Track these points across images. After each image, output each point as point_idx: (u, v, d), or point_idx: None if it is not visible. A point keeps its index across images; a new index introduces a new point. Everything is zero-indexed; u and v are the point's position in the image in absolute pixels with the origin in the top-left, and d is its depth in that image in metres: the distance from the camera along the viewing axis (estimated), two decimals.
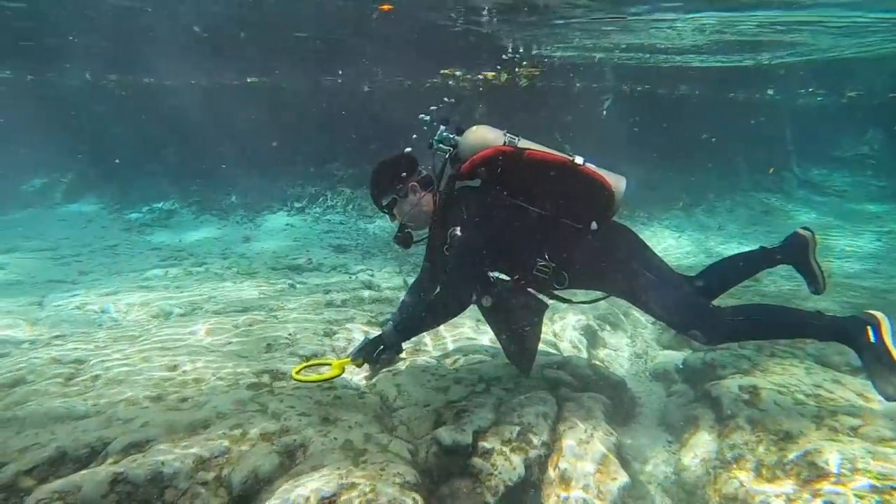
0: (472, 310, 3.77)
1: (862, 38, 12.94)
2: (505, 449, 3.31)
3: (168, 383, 4.02)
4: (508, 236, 3.51)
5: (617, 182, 3.57)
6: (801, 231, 3.84)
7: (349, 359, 3.65)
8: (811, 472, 3.00)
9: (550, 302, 3.88)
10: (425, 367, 4.50)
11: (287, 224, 13.69)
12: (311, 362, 4.00)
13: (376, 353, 3.59)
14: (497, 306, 3.64)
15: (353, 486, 2.71)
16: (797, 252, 3.84)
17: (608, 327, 6.44)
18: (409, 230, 3.76)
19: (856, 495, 2.74)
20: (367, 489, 2.69)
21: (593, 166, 3.54)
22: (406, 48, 14.16)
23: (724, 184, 16.75)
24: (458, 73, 16.88)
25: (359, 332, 5.41)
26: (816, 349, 4.75)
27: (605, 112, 18.22)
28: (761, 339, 3.68)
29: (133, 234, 12.99)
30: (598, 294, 3.88)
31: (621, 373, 5.15)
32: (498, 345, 4.21)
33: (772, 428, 3.44)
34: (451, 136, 3.63)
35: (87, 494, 2.61)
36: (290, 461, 3.04)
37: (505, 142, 3.49)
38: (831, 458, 3.00)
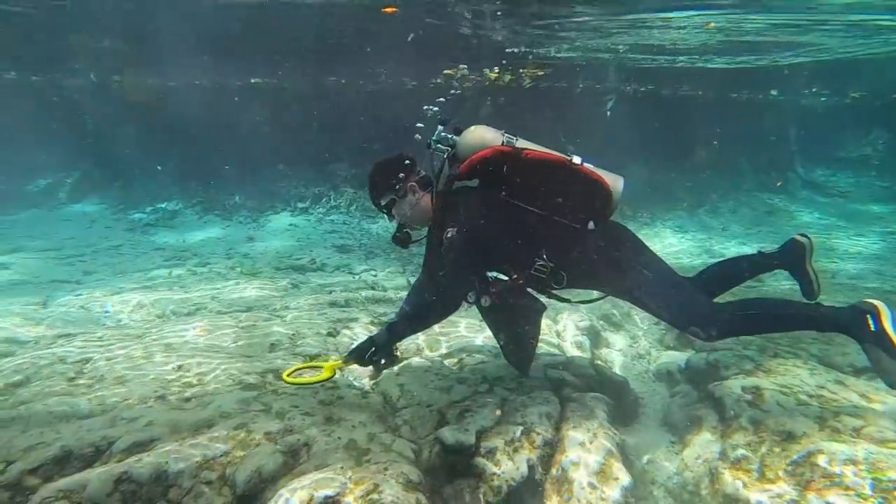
0: (474, 310, 3.78)
1: (869, 38, 12.91)
2: (508, 449, 3.32)
3: (172, 383, 4.04)
4: (507, 236, 3.52)
5: (615, 182, 3.58)
6: (799, 237, 3.85)
7: (341, 361, 3.67)
8: (814, 472, 3.00)
9: (551, 302, 3.89)
10: (428, 367, 4.51)
11: (290, 224, 13.70)
12: (301, 365, 4.01)
13: (368, 355, 3.60)
14: (495, 306, 3.65)
15: (356, 485, 2.72)
16: (794, 258, 3.85)
17: (611, 328, 6.45)
18: (408, 230, 3.78)
19: (858, 496, 2.74)
20: (371, 488, 2.69)
21: (591, 166, 3.55)
22: (409, 49, 14.17)
23: (727, 184, 16.73)
24: (461, 73, 16.88)
25: (362, 332, 5.42)
26: (820, 350, 4.75)
27: (609, 112, 18.21)
28: (762, 333, 3.69)
29: (137, 235, 13.01)
30: (597, 294, 3.89)
31: (624, 373, 5.15)
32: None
33: (774, 428, 3.44)
34: (450, 136, 3.64)
35: (92, 493, 2.63)
36: (294, 460, 3.05)
37: (503, 142, 3.50)
38: (834, 458, 3.00)
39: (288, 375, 3.72)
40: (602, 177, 3.52)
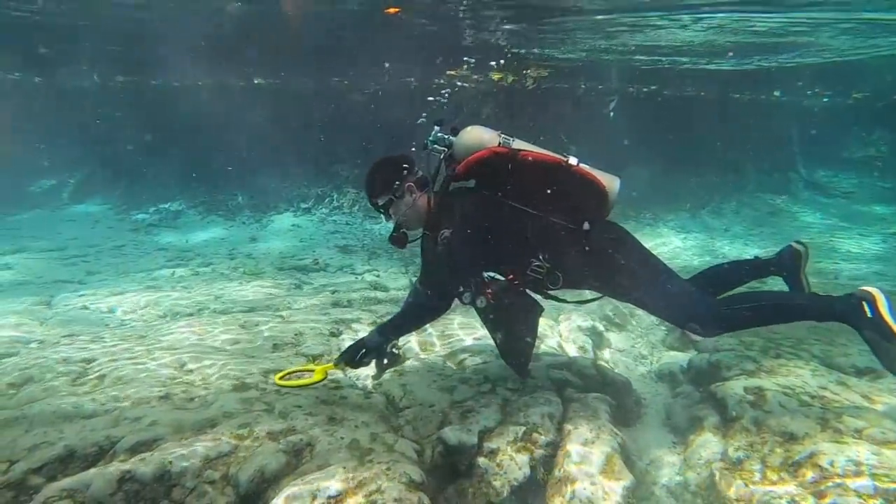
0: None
1: (873, 38, 12.89)
2: (510, 449, 3.33)
3: (175, 382, 4.05)
4: (503, 237, 3.52)
5: (610, 182, 3.59)
6: (796, 245, 3.87)
7: (332, 364, 3.68)
8: (816, 473, 3.00)
9: (553, 303, 3.89)
10: (431, 367, 4.51)
11: (293, 224, 13.73)
12: (293, 368, 4.02)
13: (359, 356, 3.61)
14: (492, 307, 3.66)
15: (359, 485, 2.73)
16: (789, 265, 3.87)
17: (613, 328, 6.45)
18: (405, 230, 3.78)
19: (860, 497, 2.74)
20: (374, 488, 2.70)
21: (587, 167, 3.56)
22: (413, 49, 14.19)
23: (729, 185, 16.71)
24: (464, 73, 16.89)
25: (364, 333, 5.42)
26: (822, 351, 4.75)
27: (612, 113, 18.20)
28: (760, 325, 3.70)
29: (140, 235, 13.06)
30: (592, 294, 3.89)
31: (626, 374, 5.15)
32: None
33: (776, 429, 3.44)
34: (446, 136, 3.64)
35: (96, 492, 2.64)
36: (297, 460, 3.06)
37: (500, 142, 3.51)
38: (836, 459, 3.00)
39: (280, 379, 3.74)
40: (597, 177, 3.54)
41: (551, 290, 3.67)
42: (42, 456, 2.93)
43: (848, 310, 3.30)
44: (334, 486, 2.70)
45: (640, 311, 6.30)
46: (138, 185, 15.75)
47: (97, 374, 4.27)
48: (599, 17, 11.21)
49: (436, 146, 3.66)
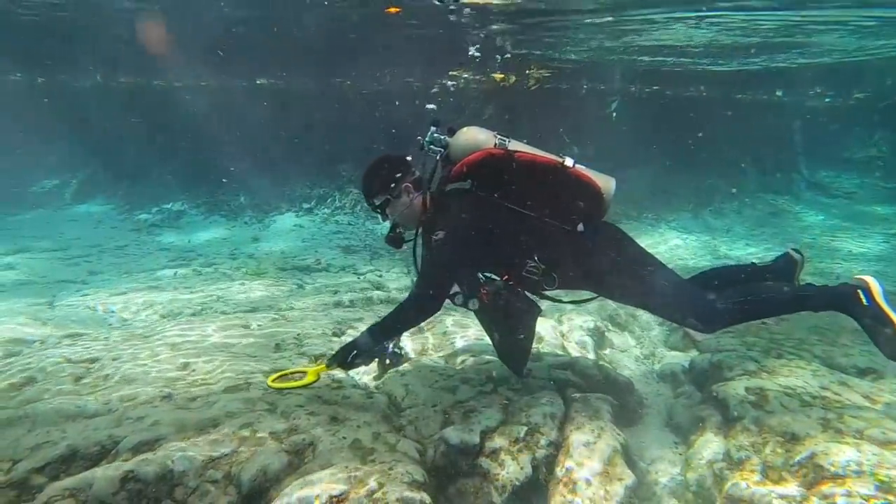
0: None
1: (876, 39, 12.86)
2: (512, 449, 3.33)
3: (178, 382, 4.06)
4: (498, 238, 3.52)
5: (606, 183, 3.60)
6: (792, 252, 3.88)
7: (324, 365, 3.68)
8: (817, 473, 3.00)
9: (550, 303, 3.89)
10: (433, 367, 4.52)
11: (295, 225, 13.73)
12: (286, 371, 4.02)
13: (350, 358, 3.62)
14: (487, 307, 3.66)
15: (361, 484, 2.73)
16: (785, 272, 3.87)
17: (616, 328, 6.45)
18: (401, 231, 3.78)
19: (862, 497, 2.75)
20: (376, 488, 2.71)
21: (583, 168, 3.56)
22: (414, 50, 14.19)
23: (731, 185, 16.67)
24: (466, 74, 16.89)
25: None
26: (823, 351, 4.76)
27: (614, 114, 18.19)
28: (759, 318, 3.71)
29: (142, 235, 13.06)
30: (589, 294, 3.89)
31: (628, 374, 5.15)
32: None
33: (778, 429, 3.44)
34: (442, 137, 3.64)
35: (98, 492, 2.64)
36: (299, 460, 3.06)
37: (496, 143, 3.51)
38: (837, 459, 3.01)
39: (272, 381, 3.74)
40: (593, 178, 3.54)
41: (547, 290, 3.68)
42: (45, 455, 2.94)
43: (844, 299, 3.35)
44: (337, 485, 2.70)
45: (641, 312, 6.31)
46: (140, 185, 15.77)
47: (100, 373, 4.28)
48: (606, 18, 11.21)
49: (432, 147, 3.66)
